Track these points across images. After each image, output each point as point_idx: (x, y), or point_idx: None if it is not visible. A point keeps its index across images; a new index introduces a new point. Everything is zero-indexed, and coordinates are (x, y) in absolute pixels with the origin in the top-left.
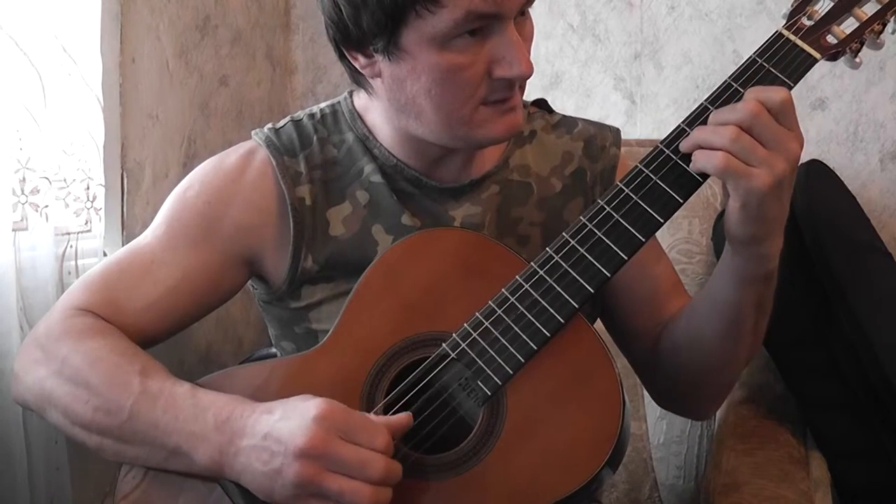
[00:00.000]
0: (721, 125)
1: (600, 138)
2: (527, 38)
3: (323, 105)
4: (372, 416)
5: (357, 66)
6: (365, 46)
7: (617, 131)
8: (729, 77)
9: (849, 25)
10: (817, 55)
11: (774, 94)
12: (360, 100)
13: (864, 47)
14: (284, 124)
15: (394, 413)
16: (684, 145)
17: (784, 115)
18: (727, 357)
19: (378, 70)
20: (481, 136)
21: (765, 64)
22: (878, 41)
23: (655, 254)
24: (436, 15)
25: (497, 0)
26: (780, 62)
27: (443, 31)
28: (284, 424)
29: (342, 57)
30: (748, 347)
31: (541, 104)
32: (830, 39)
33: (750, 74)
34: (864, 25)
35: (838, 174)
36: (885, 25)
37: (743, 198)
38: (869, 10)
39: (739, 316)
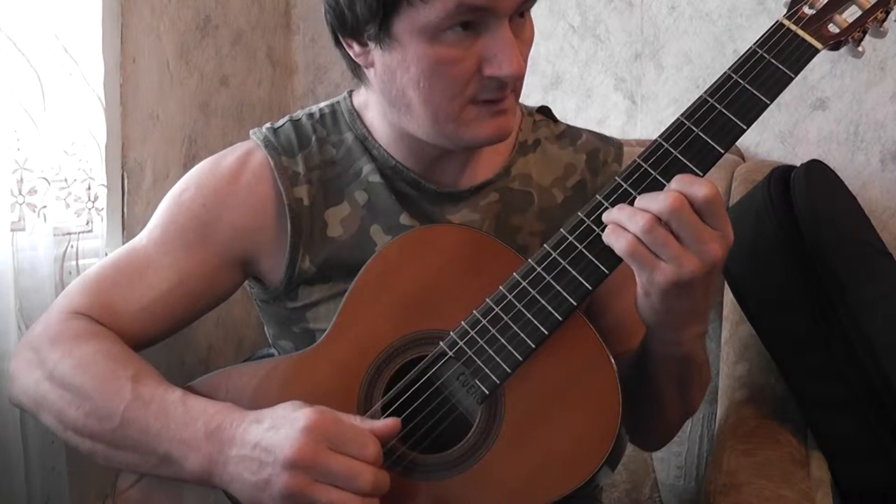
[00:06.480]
0: (641, 210)
1: (603, 153)
2: (525, 41)
3: (322, 105)
4: (360, 423)
5: (352, 55)
6: (359, 34)
7: (619, 146)
8: (729, 69)
9: (851, 14)
10: (819, 45)
11: (699, 188)
12: (360, 98)
13: (867, 36)
14: (283, 124)
15: (390, 414)
16: (605, 216)
17: (710, 213)
18: (654, 417)
19: (371, 59)
20: (469, 136)
21: (765, 55)
22: (882, 29)
23: (626, 283)
24: (428, 4)
25: None
26: (780, 53)
27: (434, 22)
28: (273, 434)
29: (338, 43)
30: (677, 413)
31: (546, 112)
32: (832, 29)
33: (750, 66)
34: (868, 13)
35: (839, 174)
36: (888, 13)
37: (644, 287)
38: None
39: (659, 387)
